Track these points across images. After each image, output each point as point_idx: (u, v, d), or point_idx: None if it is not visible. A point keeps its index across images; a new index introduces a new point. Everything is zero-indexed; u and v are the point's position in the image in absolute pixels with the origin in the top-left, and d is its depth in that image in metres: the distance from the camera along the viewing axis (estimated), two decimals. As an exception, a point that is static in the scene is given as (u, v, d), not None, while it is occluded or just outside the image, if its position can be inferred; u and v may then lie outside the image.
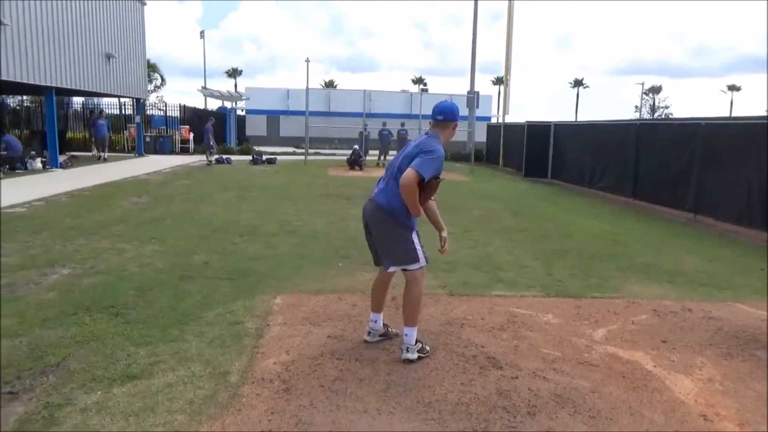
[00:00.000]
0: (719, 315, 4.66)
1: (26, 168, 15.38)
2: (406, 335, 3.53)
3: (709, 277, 5.97)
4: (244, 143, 30.73)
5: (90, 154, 21.59)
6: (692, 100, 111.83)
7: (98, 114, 22.35)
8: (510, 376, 3.33)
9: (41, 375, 3.16)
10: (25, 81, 14.45)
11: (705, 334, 4.19)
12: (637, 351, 3.81)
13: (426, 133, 3.56)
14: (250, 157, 22.66)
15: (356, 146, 21.26)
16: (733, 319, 4.56)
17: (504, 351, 3.71)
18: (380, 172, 15.90)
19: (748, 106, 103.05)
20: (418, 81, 72.84)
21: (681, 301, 5.04)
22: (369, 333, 3.83)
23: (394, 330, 3.90)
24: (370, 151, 23.23)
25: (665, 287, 5.49)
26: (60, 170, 15.75)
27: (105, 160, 19.43)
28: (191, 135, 27.19)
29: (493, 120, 34.65)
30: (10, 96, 25.19)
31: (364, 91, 26.02)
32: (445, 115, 3.56)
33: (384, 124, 23.39)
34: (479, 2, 18.22)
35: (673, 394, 3.19)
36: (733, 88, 75.03)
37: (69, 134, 25.07)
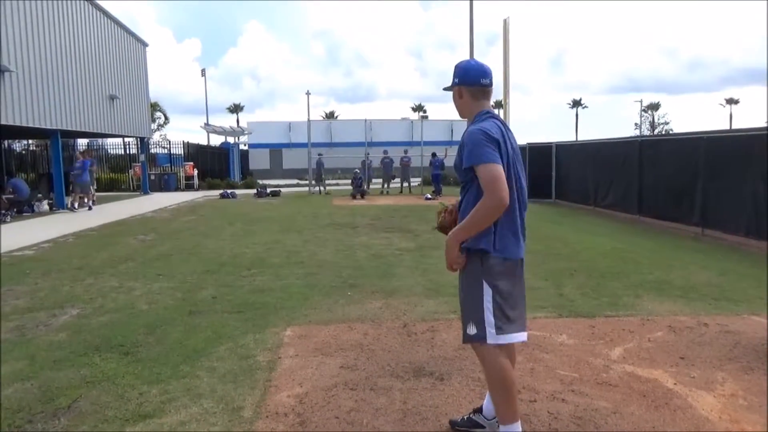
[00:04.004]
0: (736, 329, 4.59)
1: (33, 210, 15.51)
2: None
3: (722, 290, 5.90)
4: (248, 177, 30.98)
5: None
6: (691, 116, 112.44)
7: (83, 154, 18.54)
8: (528, 399, 3.27)
9: (53, 418, 3.12)
10: (30, 125, 14.68)
11: (723, 349, 4.12)
12: (656, 369, 3.74)
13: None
14: (254, 191, 22.83)
15: (357, 169, 21.32)
16: (751, 333, 4.48)
17: (520, 374, 3.64)
18: (384, 201, 15.88)
19: (748, 118, 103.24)
20: (418, 108, 73.56)
21: (696, 316, 4.97)
22: None
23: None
24: (374, 180, 23.36)
25: (679, 303, 5.43)
26: (67, 211, 15.85)
27: (90, 208, 16.03)
28: (195, 171, 27.46)
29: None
30: (16, 141, 25.55)
31: (365, 120, 26.28)
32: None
33: (385, 152, 23.57)
34: (473, 25, 18.43)
35: (696, 411, 3.12)
36: (731, 101, 75.30)
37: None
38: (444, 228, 2.74)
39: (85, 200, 16.76)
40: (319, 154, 23.44)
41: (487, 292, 2.52)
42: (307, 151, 24.03)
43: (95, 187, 17.80)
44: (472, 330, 2.55)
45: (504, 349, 2.58)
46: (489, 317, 2.51)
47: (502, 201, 2.35)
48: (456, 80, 2.67)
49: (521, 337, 2.61)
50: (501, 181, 2.35)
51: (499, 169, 2.38)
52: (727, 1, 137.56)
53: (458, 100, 2.70)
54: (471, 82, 2.64)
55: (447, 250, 2.55)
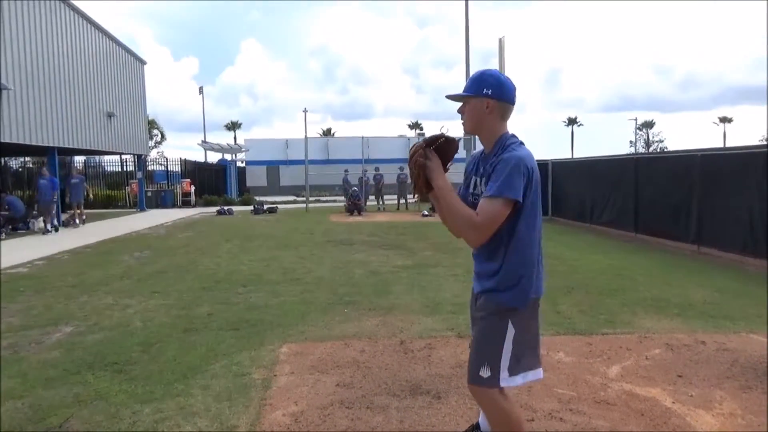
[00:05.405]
0: (734, 346, 4.57)
1: (29, 228, 15.43)
2: None
3: (719, 308, 5.89)
4: (245, 194, 31.01)
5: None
6: (685, 134, 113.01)
7: (45, 171, 15.89)
8: (526, 418, 3.24)
9: (44, 437, 3.07)
10: (28, 143, 14.69)
11: (721, 367, 4.10)
12: (654, 387, 3.72)
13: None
14: (251, 208, 22.82)
15: (355, 187, 21.44)
16: (749, 350, 4.47)
17: (517, 392, 3.61)
18: (381, 218, 15.85)
19: (741, 137, 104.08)
20: (415, 126, 73.88)
21: (693, 333, 4.95)
22: None
23: None
24: (370, 197, 23.43)
25: (676, 320, 5.41)
26: (62, 229, 15.77)
27: (55, 229, 14.67)
28: (192, 188, 27.47)
29: (491, 161, 34.94)
30: (13, 158, 25.54)
31: (362, 137, 26.38)
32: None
33: (377, 168, 23.70)
34: (469, 43, 18.63)
35: (695, 430, 3.09)
36: (724, 119, 75.86)
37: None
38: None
39: (75, 217, 16.28)
40: (345, 171, 24.17)
41: (510, 332, 2.29)
42: (304, 168, 24.08)
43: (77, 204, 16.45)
44: (485, 373, 2.30)
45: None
46: (506, 360, 2.29)
47: (476, 241, 2.26)
48: (488, 91, 2.30)
49: (537, 374, 2.40)
50: (495, 225, 2.20)
51: (505, 215, 2.20)
52: (719, 19, 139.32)
53: (485, 115, 2.34)
54: (508, 99, 2.34)
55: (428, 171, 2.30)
